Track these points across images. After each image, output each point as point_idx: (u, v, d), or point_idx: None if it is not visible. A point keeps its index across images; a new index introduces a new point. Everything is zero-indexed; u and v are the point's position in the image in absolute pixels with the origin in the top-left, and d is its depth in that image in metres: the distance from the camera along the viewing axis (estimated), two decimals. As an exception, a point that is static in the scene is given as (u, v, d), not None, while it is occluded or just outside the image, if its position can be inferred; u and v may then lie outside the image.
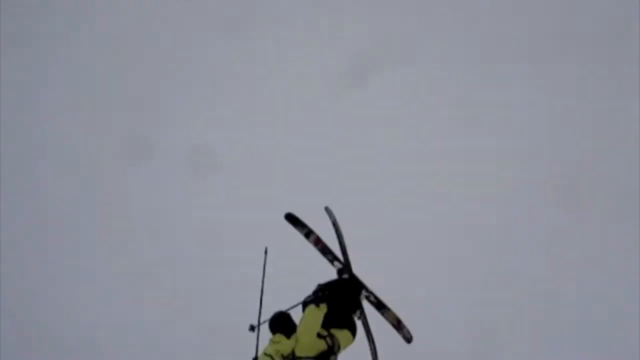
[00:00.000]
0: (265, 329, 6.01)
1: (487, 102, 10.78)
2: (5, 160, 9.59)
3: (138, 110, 10.48)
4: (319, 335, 6.11)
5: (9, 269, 7.66)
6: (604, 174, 9.49)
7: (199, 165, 9.98)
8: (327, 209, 6.42)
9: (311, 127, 10.66)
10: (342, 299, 6.22)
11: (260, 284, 6.03)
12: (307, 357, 6.08)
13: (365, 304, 6.33)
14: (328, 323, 6.13)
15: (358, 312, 6.37)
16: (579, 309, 7.87)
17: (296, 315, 6.22)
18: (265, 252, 6.16)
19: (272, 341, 6.14)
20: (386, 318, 6.38)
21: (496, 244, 8.83)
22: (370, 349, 6.39)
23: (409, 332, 6.32)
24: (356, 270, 6.32)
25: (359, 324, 6.34)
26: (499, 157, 10.07)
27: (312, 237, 6.44)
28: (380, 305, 6.40)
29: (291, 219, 6.52)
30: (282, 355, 6.07)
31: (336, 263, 6.40)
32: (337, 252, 6.33)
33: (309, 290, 6.18)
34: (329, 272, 6.32)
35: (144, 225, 9.17)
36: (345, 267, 6.38)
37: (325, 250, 6.45)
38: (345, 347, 6.28)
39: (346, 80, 10.83)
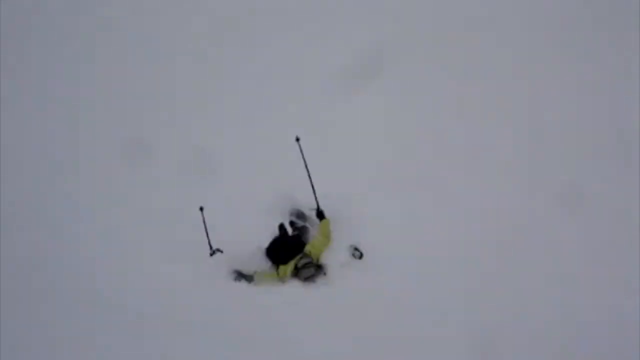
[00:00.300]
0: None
1: (486, 101, 10.80)
2: (4, 159, 9.60)
3: (137, 110, 10.50)
4: None
5: (8, 269, 7.70)
6: (606, 173, 9.51)
7: (199, 166, 10.00)
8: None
9: (311, 126, 10.64)
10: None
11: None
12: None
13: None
14: None
15: None
16: (579, 309, 7.89)
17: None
18: (297, 139, 8.90)
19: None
20: None
21: (496, 244, 8.85)
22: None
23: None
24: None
25: None
26: (499, 157, 10.07)
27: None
28: None
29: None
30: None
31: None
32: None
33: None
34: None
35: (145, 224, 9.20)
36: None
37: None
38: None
39: (346, 79, 10.84)
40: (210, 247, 8.52)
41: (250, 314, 7.74)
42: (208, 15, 11.47)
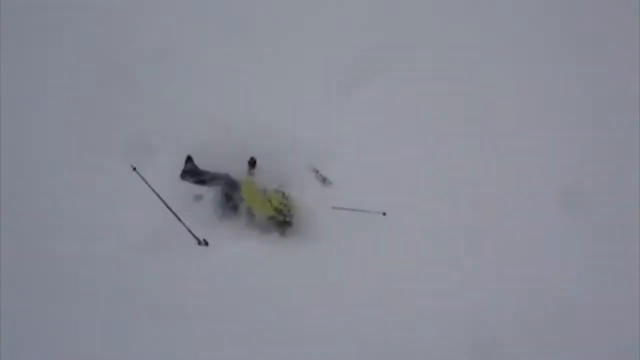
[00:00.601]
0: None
1: (485, 101, 10.79)
2: (4, 159, 9.57)
3: (139, 109, 10.46)
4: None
5: (9, 272, 7.72)
6: (606, 173, 9.53)
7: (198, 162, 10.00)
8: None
9: (311, 125, 10.63)
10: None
11: None
12: None
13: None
14: None
15: None
16: (581, 310, 7.92)
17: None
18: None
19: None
20: None
21: (496, 244, 8.87)
22: None
23: None
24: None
25: None
26: (499, 157, 10.08)
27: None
28: None
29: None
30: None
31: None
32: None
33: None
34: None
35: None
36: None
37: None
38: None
39: (345, 81, 10.83)
40: (197, 239, 8.71)
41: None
42: (207, 15, 11.43)
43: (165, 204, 8.79)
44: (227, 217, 9.46)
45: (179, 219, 8.77)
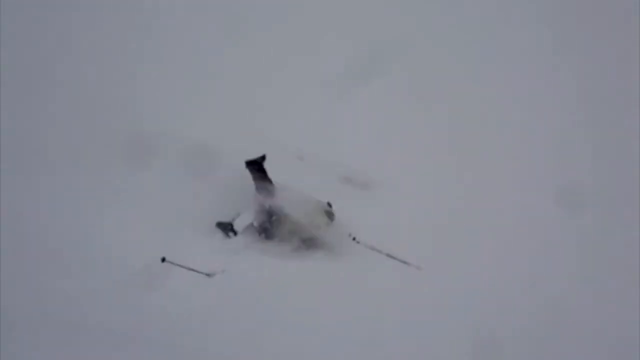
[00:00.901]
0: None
1: (483, 101, 10.81)
2: (5, 158, 9.57)
3: (138, 109, 10.46)
4: None
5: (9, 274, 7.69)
6: (605, 172, 9.55)
7: (200, 165, 9.97)
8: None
9: (311, 125, 10.65)
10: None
11: None
12: None
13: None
14: None
15: None
16: (581, 310, 7.93)
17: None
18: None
19: None
20: None
21: (496, 244, 8.88)
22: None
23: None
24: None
25: None
26: (498, 156, 10.09)
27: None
28: None
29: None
30: None
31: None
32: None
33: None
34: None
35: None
36: None
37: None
38: None
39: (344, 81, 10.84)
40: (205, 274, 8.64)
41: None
42: (207, 17, 11.46)
43: (198, 271, 8.58)
44: (266, 234, 9.46)
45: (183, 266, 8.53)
